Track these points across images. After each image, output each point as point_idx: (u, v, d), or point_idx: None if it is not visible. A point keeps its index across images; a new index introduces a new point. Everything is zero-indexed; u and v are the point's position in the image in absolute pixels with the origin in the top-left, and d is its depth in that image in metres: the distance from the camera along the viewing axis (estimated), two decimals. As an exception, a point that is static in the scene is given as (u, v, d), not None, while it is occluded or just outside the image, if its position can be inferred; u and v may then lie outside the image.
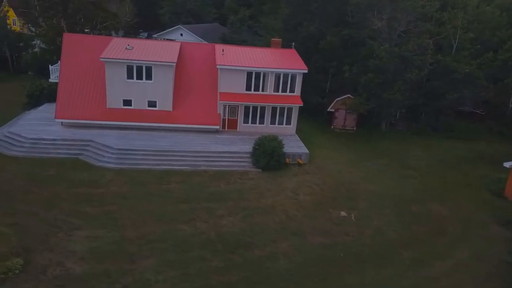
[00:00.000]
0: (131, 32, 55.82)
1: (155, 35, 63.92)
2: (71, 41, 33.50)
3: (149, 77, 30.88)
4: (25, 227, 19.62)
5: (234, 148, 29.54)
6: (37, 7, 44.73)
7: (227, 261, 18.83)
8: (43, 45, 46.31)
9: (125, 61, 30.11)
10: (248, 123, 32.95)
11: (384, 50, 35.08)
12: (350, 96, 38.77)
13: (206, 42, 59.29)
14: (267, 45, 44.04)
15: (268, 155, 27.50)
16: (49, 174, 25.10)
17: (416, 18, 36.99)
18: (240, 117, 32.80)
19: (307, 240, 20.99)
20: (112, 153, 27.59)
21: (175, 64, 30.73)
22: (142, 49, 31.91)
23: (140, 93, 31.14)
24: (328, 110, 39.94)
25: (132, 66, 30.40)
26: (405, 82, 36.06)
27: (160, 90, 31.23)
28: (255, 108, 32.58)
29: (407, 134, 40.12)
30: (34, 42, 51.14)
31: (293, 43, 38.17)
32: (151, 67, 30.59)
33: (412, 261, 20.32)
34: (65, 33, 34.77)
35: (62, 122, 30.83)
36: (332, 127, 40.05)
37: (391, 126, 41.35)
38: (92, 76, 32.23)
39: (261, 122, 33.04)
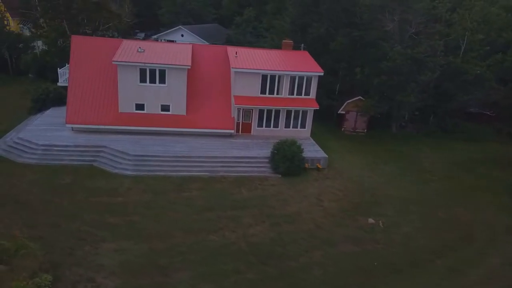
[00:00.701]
0: (130, 32, 54.53)
1: (155, 36, 62.94)
2: (79, 43, 32.56)
3: (162, 80, 30.12)
4: (49, 241, 18.82)
5: (251, 153, 28.96)
6: (38, 8, 43.49)
7: (262, 273, 18.28)
8: (44, 47, 45.08)
9: (138, 64, 29.32)
10: (262, 126, 32.41)
11: (397, 52, 34.76)
12: (361, 98, 38.42)
13: (207, 43, 58.66)
14: (274, 46, 43.61)
15: (288, 160, 26.99)
16: (65, 183, 24.25)
17: (427, 20, 36.77)
18: (254, 121, 32.24)
19: (338, 249, 20.53)
20: (129, 160, 26.82)
21: (189, 67, 29.99)
22: (154, 52, 31.14)
23: (153, 97, 30.38)
24: (338, 112, 39.54)
25: (145, 69, 29.61)
26: (418, 84, 35.83)
27: (173, 94, 30.50)
28: (269, 112, 32.05)
29: (417, 136, 39.90)
30: (33, 44, 49.88)
31: (302, 45, 37.68)
32: (164, 70, 29.83)
33: (446, 269, 19.96)
34: (73, 36, 33.76)
35: (72, 127, 29.91)
36: (342, 129, 39.66)
37: (401, 128, 41.09)
38: (103, 80, 31.37)
39: (275, 125, 32.52)
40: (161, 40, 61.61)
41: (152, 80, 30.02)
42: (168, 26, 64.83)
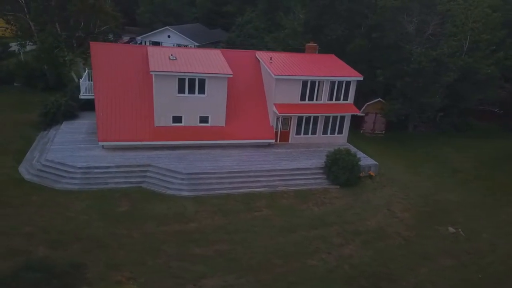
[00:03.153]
0: (120, 35, 50.92)
1: (139, 37, 59.53)
2: (99, 51, 29.64)
3: (201, 90, 28.05)
4: (146, 282, 16.63)
5: (302, 163, 27.76)
6: (26, 10, 39.18)
7: (382, 298, 17.34)
8: (34, 52, 40.82)
9: (176, 73, 27.05)
10: (300, 134, 31.29)
11: (423, 54, 34.93)
12: (381, 100, 38.37)
13: (197, 44, 56.38)
14: (283, 49, 42.54)
15: (348, 170, 26.11)
16: (124, 210, 21.80)
17: (443, 21, 37.32)
18: (293, 129, 31.02)
19: (439, 263, 20.01)
20: (182, 179, 24.68)
21: (231, 75, 28.15)
22: (186, 59, 28.93)
23: (192, 108, 28.24)
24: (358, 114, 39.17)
25: (184, 79, 27.40)
26: (441, 86, 36.29)
27: (213, 105, 28.53)
28: (308, 119, 30.98)
29: (432, 136, 40.54)
30: (12, 49, 45.09)
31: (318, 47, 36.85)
32: (204, 79, 27.79)
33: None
34: (91, 42, 30.64)
35: (103, 146, 27.11)
36: (361, 131, 39.42)
37: (415, 129, 41.58)
38: (132, 91, 28.73)
39: (313, 132, 31.52)
40: (145, 43, 58.48)
41: (191, 91, 27.86)
42: (148, 26, 61.56)
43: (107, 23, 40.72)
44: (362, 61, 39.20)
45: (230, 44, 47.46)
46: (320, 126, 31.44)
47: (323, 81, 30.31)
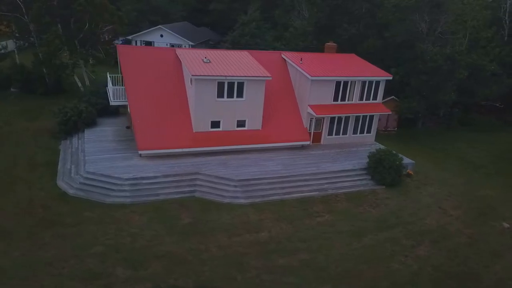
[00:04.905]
0: (118, 36, 48.53)
1: (129, 37, 57.23)
2: (127, 54, 28.31)
3: (240, 94, 27.32)
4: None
5: (345, 165, 27.72)
6: (24, 10, 36.60)
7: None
8: (35, 55, 38.24)
9: (216, 77, 26.17)
10: (332, 135, 31.26)
11: (438, 52, 35.82)
12: (395, 98, 39.05)
13: (192, 44, 55.14)
14: (291, 49, 42.28)
15: (393, 171, 26.35)
16: (187, 223, 20.89)
17: (450, 19, 38.44)
18: (325, 129, 30.93)
19: (508, 260, 20.56)
20: (235, 186, 23.98)
21: (270, 78, 27.60)
22: (219, 62, 28.08)
23: (230, 112, 27.47)
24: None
25: (223, 82, 26.57)
26: (454, 83, 37.40)
27: (251, 108, 27.89)
28: (339, 119, 30.98)
29: (441, 131, 41.78)
30: (2, 51, 42.06)
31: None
32: (243, 82, 27.07)
33: None
34: (118, 46, 29.10)
35: (140, 154, 25.86)
36: (375, 129, 39.94)
37: (424, 125, 42.67)
38: (165, 96, 27.63)
39: (344, 132, 31.59)
40: (136, 43, 56.45)
41: (230, 95, 27.07)
42: (135, 26, 59.28)
43: (112, 23, 38.74)
44: (374, 60, 39.56)
45: (233, 44, 46.54)
46: (350, 126, 31.54)
47: (355, 81, 30.38)
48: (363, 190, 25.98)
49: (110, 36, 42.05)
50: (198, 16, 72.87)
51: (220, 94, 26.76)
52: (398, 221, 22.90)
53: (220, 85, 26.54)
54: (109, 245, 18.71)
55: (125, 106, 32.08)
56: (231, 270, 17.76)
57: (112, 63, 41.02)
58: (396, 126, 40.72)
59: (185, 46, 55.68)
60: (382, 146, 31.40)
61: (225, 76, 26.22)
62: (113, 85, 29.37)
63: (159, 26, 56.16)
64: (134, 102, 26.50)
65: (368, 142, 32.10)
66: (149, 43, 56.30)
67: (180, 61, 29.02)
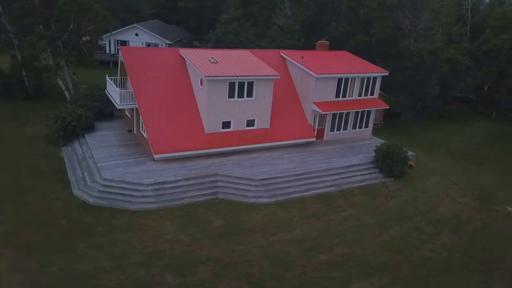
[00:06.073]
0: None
1: (102, 37, 55.02)
2: (131, 56, 27.50)
3: (250, 94, 27.37)
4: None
5: (353, 160, 28.53)
6: (1, 10, 34.45)
7: None
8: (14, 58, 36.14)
9: (228, 78, 26.06)
10: (334, 130, 32.04)
11: (424, 48, 37.56)
12: (382, 92, 40.44)
13: (169, 42, 54.28)
14: (278, 47, 42.66)
15: (401, 163, 27.49)
16: (220, 226, 20.80)
17: (433, 16, 40.42)
18: (327, 126, 31.64)
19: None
20: (257, 186, 24.08)
21: (279, 77, 27.84)
22: (225, 62, 27.94)
23: (240, 112, 27.46)
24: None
25: (234, 83, 26.51)
26: (437, 77, 39.38)
27: (260, 107, 28.02)
28: (341, 115, 31.81)
29: (422, 123, 43.86)
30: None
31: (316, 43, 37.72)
32: (253, 82, 27.13)
33: None
34: (121, 47, 28.12)
35: (154, 158, 25.33)
36: (363, 123, 41.26)
37: (406, 117, 44.59)
38: (174, 98, 27.13)
39: (344, 128, 32.47)
40: (109, 42, 54.66)
41: (240, 95, 27.05)
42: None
43: (96, 23, 37.21)
44: (362, 57, 40.66)
45: (217, 42, 46.18)
46: (350, 122, 32.44)
47: (355, 78, 31.26)
48: (374, 183, 26.89)
49: (92, 36, 40.35)
50: (167, 14, 71.46)
51: (231, 95, 26.66)
52: (416, 211, 23.98)
53: (231, 85, 26.44)
54: (149, 253, 18.29)
55: (121, 110, 31.28)
56: (278, 269, 17.94)
57: (96, 64, 39.52)
58: (382, 119, 42.24)
59: (161, 45, 54.57)
60: (380, 140, 32.63)
61: (237, 76, 26.14)
62: (118, 88, 28.36)
63: (134, 24, 54.59)
64: (144, 105, 25.82)
65: (366, 136, 33.19)
66: (124, 43, 54.62)
67: (184, 62, 28.59)
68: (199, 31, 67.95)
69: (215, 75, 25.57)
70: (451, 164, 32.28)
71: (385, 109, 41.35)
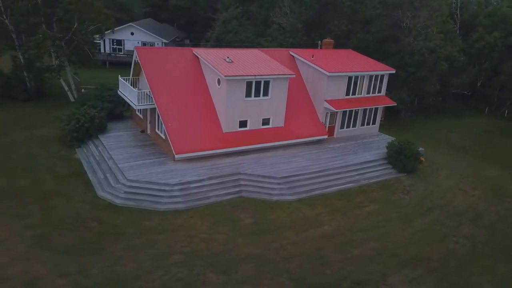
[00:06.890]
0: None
1: (97, 36, 54.30)
2: (148, 56, 27.36)
3: (266, 93, 27.62)
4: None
5: (367, 156, 29.09)
6: (2, 9, 33.68)
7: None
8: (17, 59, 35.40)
9: (246, 77, 26.25)
10: (343, 128, 32.61)
11: (424, 45, 38.47)
12: (383, 90, 41.28)
13: (165, 41, 54.06)
14: (279, 46, 43.02)
15: (414, 159, 28.23)
16: (250, 223, 21.07)
17: (429, 15, 41.36)
18: (338, 123, 32.18)
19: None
20: (279, 183, 24.39)
21: (294, 76, 28.18)
22: (240, 62, 28.12)
23: (257, 111, 27.70)
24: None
25: (251, 82, 26.72)
26: (437, 74, 40.39)
27: (276, 106, 28.32)
28: (350, 112, 32.39)
29: (421, 119, 44.89)
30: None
31: (319, 42, 38.26)
32: (269, 81, 27.40)
33: None
34: (137, 47, 27.85)
35: (174, 158, 25.36)
36: (365, 120, 42.03)
37: (405, 114, 45.53)
38: (193, 98, 27.19)
39: (354, 125, 33.08)
40: (104, 41, 53.99)
41: (257, 94, 27.28)
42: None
43: (98, 22, 36.82)
44: (364, 55, 41.62)
45: (217, 41, 46.17)
46: (359, 119, 33.07)
47: (364, 76, 31.88)
48: (389, 179, 27.56)
49: (94, 35, 39.91)
50: (158, 12, 70.88)
51: (248, 94, 26.86)
52: (433, 204, 24.72)
53: (248, 84, 26.64)
54: (187, 252, 18.40)
55: (131, 110, 31.20)
56: (316, 264, 18.31)
57: (98, 63, 39.09)
58: (383, 116, 43.04)
59: (157, 44, 54.22)
60: (387, 136, 33.39)
61: (254, 75, 26.36)
62: (135, 88, 28.17)
63: (130, 23, 54.03)
64: (163, 105, 25.77)
65: (373, 133, 33.90)
66: (119, 42, 54.02)
67: (197, 61, 28.63)
68: (191, 29, 67.71)
69: (234, 74, 25.71)
70: (456, 158, 33.26)
71: (385, 106, 42.52)
